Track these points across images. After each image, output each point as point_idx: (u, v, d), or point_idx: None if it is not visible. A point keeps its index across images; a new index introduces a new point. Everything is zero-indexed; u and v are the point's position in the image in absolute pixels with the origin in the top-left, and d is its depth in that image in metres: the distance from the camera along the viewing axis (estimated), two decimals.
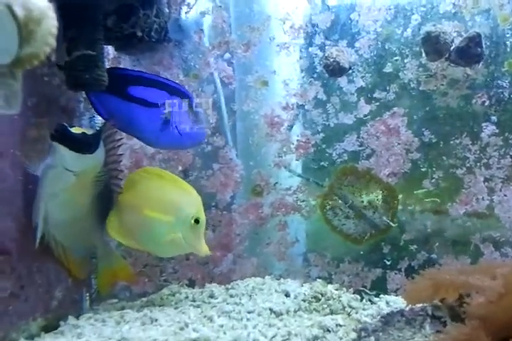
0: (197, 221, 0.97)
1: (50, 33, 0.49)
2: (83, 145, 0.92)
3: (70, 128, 0.90)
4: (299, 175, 1.23)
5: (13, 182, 0.90)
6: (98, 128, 1.00)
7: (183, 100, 1.00)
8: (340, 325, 0.95)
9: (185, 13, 1.16)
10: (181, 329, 0.95)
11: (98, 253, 1.10)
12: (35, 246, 0.94)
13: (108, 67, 1.02)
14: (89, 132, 0.95)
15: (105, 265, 1.10)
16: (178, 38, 1.18)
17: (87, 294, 1.22)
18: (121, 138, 1.09)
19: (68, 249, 1.04)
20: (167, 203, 0.99)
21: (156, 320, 1.00)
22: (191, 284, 1.25)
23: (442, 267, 0.90)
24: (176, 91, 1.01)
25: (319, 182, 1.21)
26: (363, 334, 0.77)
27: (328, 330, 0.93)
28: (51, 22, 0.48)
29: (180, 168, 1.23)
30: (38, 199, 0.94)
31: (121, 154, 1.08)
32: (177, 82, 1.04)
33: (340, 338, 0.91)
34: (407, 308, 0.79)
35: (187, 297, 1.16)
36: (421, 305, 0.77)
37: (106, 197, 1.03)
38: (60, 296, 1.06)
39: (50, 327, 0.99)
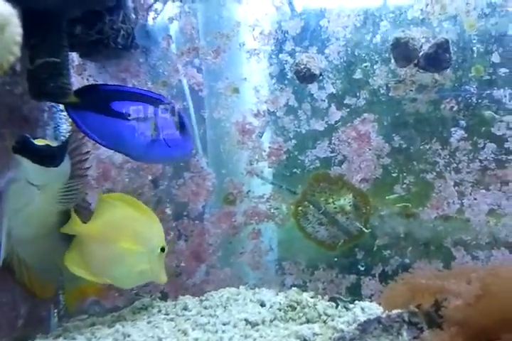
0: (163, 249, 0.98)
1: (14, 41, 0.46)
2: (47, 157, 0.88)
3: (32, 140, 0.87)
4: (271, 183, 1.22)
5: None
6: (63, 140, 0.97)
7: (167, 110, 0.98)
8: (317, 334, 0.94)
9: (153, 19, 1.13)
10: None
11: (64, 271, 1.04)
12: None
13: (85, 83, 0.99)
14: (54, 144, 0.91)
15: (72, 282, 1.06)
16: (146, 44, 1.15)
17: (55, 310, 1.17)
18: (88, 151, 1.07)
19: (32, 267, 0.99)
20: (138, 234, 0.97)
21: (129, 336, 0.97)
22: (164, 297, 1.22)
23: (416, 271, 0.90)
24: (162, 104, 0.99)
25: (292, 189, 1.20)
26: None
27: (305, 340, 0.92)
28: (15, 29, 0.45)
29: (150, 178, 1.20)
30: (0, 215, 0.89)
31: (87, 168, 1.05)
32: (159, 93, 1.01)
33: None
34: (384, 315, 0.78)
35: (160, 310, 1.13)
36: (397, 311, 0.77)
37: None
38: (26, 314, 1.02)
39: None
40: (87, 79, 1.16)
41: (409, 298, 0.73)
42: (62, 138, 1.18)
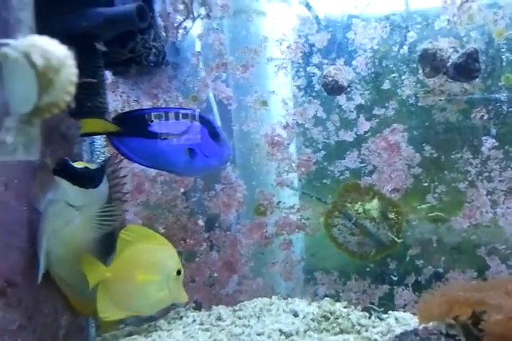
0: (179, 272, 1.01)
1: (70, 81, 0.48)
2: (86, 179, 0.91)
3: (72, 163, 0.90)
4: (302, 192, 1.22)
5: (19, 214, 0.89)
6: (101, 163, 1.00)
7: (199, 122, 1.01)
8: None
9: (183, 36, 1.16)
10: None
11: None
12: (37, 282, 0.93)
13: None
14: (92, 166, 0.94)
15: None
16: (176, 61, 1.18)
17: (93, 320, 1.20)
18: (126, 176, 1.10)
19: (72, 285, 1.02)
20: (153, 263, 1.01)
21: None
22: (198, 307, 1.23)
23: (453, 283, 0.90)
24: (194, 117, 1.02)
25: (322, 199, 1.21)
26: None
27: None
28: (70, 70, 0.48)
29: (182, 190, 1.23)
30: (40, 235, 0.92)
31: (126, 193, 1.08)
32: (189, 107, 1.05)
33: None
34: (421, 327, 0.78)
35: (194, 320, 1.15)
36: (434, 323, 0.77)
37: (109, 234, 1.02)
38: (67, 325, 1.05)
39: None
40: (121, 96, 1.20)
41: (446, 310, 0.74)
42: (97, 153, 1.22)
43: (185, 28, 1.16)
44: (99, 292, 1.00)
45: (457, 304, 0.72)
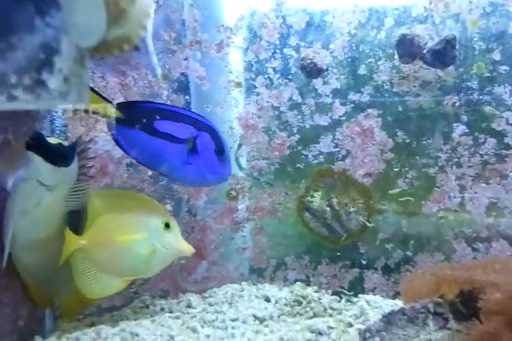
0: (167, 225, 0.96)
1: (146, 13, 0.41)
2: (60, 157, 0.84)
3: (47, 138, 0.83)
4: (253, 178, 1.20)
5: None
6: (73, 141, 0.93)
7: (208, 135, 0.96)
8: (332, 328, 0.94)
9: (154, 10, 1.10)
10: None
11: (62, 278, 1.00)
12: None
13: None
14: (65, 143, 0.87)
15: (69, 291, 1.01)
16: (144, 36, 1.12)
17: (51, 311, 1.13)
18: (95, 157, 1.03)
19: (34, 274, 0.95)
20: (133, 222, 0.96)
21: (137, 335, 0.95)
22: (164, 295, 1.19)
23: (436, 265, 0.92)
24: (204, 126, 0.96)
25: (270, 182, 1.20)
26: (367, 335, 0.76)
27: (320, 333, 0.93)
28: (146, 1, 0.41)
29: (149, 173, 1.17)
30: (7, 216, 0.85)
31: (91, 177, 1.02)
32: (202, 115, 0.99)
33: (334, 340, 0.91)
34: (408, 307, 0.79)
35: (163, 308, 1.11)
36: (421, 302, 0.78)
37: (75, 217, 0.95)
38: (26, 315, 0.97)
39: None
40: None
41: (433, 289, 0.75)
42: (58, 132, 1.14)
43: (157, 2, 1.10)
44: (75, 266, 0.94)
45: (445, 283, 0.73)
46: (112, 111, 0.95)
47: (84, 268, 0.95)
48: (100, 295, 0.98)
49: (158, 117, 0.95)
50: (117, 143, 0.98)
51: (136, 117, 0.95)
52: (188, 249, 0.97)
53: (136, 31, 0.43)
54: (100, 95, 0.97)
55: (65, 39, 0.40)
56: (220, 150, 0.96)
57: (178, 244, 0.97)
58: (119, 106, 0.96)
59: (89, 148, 0.98)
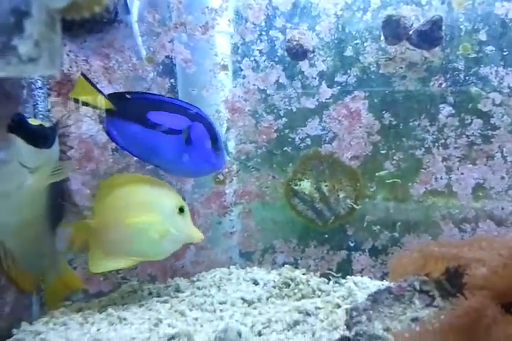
0: (181, 209, 0.96)
1: None
2: (42, 138, 0.83)
3: (28, 119, 0.81)
4: (240, 161, 1.20)
5: None
6: (54, 122, 0.91)
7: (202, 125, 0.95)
8: (320, 308, 0.95)
9: None
10: (155, 325, 0.91)
11: (46, 262, 1.00)
12: None
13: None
14: (47, 124, 0.85)
15: (54, 275, 1.02)
16: (130, 18, 1.10)
17: (38, 297, 1.12)
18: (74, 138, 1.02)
19: (17, 258, 0.93)
20: (144, 204, 0.95)
21: (125, 319, 0.94)
22: (152, 280, 1.19)
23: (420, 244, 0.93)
24: (197, 116, 0.95)
25: (257, 167, 1.20)
26: (354, 314, 0.77)
27: (308, 314, 0.93)
28: None
29: (135, 158, 1.16)
30: None
31: (70, 159, 1.00)
32: (196, 106, 0.97)
33: (322, 321, 0.91)
34: (394, 285, 0.79)
35: (150, 293, 1.10)
36: (407, 281, 0.78)
37: (57, 199, 0.95)
38: (12, 301, 0.96)
39: (2, 337, 0.90)
40: (67, 55, 1.10)
41: (421, 266, 0.75)
42: (41, 117, 1.12)
43: None
44: (90, 244, 0.95)
45: (432, 259, 0.74)
46: (103, 103, 0.93)
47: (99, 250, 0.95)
48: (105, 270, 0.99)
49: (151, 108, 0.94)
50: (109, 135, 0.96)
51: (128, 109, 0.94)
52: (198, 235, 0.98)
53: None
54: (94, 85, 0.95)
55: (36, 1, 0.39)
56: (214, 141, 0.96)
57: (189, 229, 0.98)
58: (111, 98, 0.95)
59: (69, 130, 0.97)
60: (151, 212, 0.94)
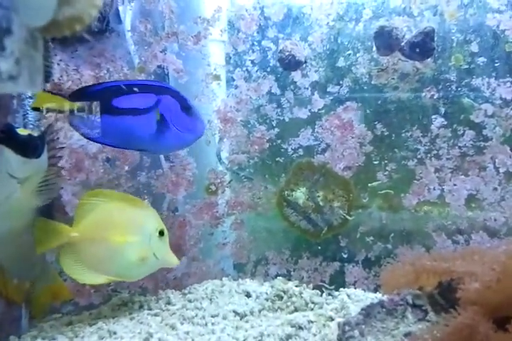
0: (161, 233, 0.95)
1: None
2: (30, 148, 0.81)
3: (17, 129, 0.80)
4: (233, 171, 1.19)
5: None
6: (42, 131, 0.90)
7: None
8: (312, 322, 0.94)
9: (130, 1, 1.08)
10: (146, 340, 0.89)
11: (36, 273, 0.98)
12: None
13: None
14: (35, 134, 0.84)
15: (43, 285, 1.00)
16: (122, 28, 1.10)
17: (27, 310, 1.10)
18: (63, 147, 1.01)
19: (6, 269, 0.92)
20: (128, 224, 0.94)
21: (115, 333, 0.93)
22: (143, 292, 1.17)
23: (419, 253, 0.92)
24: (162, 89, 0.94)
25: (250, 177, 1.19)
26: (346, 328, 0.76)
27: (301, 327, 0.92)
28: None
29: (126, 168, 1.15)
30: None
31: (61, 167, 1.00)
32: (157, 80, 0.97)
33: (314, 334, 0.90)
34: (387, 299, 0.79)
35: (141, 306, 1.08)
36: (400, 294, 0.78)
37: (47, 209, 0.93)
38: (0, 314, 0.95)
39: None
40: (58, 64, 1.09)
41: (413, 279, 0.74)
42: (31, 127, 1.11)
43: None
44: (62, 256, 0.92)
45: (424, 273, 0.73)
46: (66, 104, 0.92)
47: (71, 259, 0.93)
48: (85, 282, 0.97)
49: (114, 95, 0.92)
50: (81, 133, 0.95)
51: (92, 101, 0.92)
52: (174, 261, 0.98)
53: (88, 11, 0.41)
54: (52, 92, 0.94)
55: (16, 19, 0.38)
56: (187, 108, 0.95)
57: (167, 253, 0.97)
58: (72, 97, 0.93)
59: (58, 138, 0.96)
60: (134, 233, 0.93)
